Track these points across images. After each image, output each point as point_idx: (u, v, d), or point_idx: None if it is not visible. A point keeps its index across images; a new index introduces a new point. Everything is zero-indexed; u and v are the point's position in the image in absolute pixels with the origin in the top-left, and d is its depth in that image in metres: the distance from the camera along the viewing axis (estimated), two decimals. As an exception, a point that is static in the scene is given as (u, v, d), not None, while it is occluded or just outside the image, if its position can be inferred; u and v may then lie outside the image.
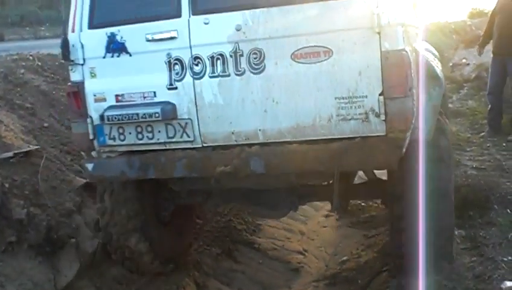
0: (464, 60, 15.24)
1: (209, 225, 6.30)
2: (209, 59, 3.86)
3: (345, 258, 6.06)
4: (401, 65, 3.49)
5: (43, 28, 28.10)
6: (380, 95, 3.55)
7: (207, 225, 6.28)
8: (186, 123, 4.00)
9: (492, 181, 6.04)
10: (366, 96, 3.58)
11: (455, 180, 4.76)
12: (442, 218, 3.99)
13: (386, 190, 4.55)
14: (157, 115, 3.93)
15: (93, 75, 4.18)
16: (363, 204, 7.20)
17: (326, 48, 3.62)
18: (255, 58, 3.77)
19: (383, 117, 3.56)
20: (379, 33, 3.48)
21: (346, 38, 3.57)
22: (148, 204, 4.86)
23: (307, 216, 7.44)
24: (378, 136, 3.61)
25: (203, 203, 5.16)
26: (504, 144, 7.97)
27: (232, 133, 3.93)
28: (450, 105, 6.92)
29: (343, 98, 3.64)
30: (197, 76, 3.91)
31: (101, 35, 4.11)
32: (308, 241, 6.85)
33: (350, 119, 3.64)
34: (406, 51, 3.49)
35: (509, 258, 4.34)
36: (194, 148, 4.05)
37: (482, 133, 8.61)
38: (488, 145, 7.99)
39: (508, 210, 5.34)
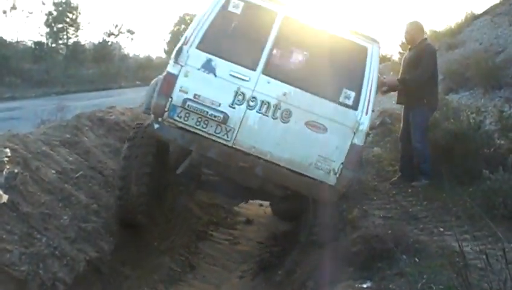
0: (380, 76, 15.50)
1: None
2: (260, 102, 6.00)
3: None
4: (358, 154, 6.13)
5: None
6: (341, 163, 5.98)
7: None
8: (229, 130, 5.99)
9: (399, 230, 6.06)
10: (334, 161, 5.99)
11: (364, 231, 6.12)
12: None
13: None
14: (219, 117, 5.94)
15: (186, 75, 6.00)
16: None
17: (325, 127, 5.99)
18: (286, 114, 6.00)
19: (337, 176, 5.99)
20: (355, 133, 5.97)
21: (337, 127, 6.00)
22: (157, 166, 6.62)
23: (221, 279, 7.35)
24: (330, 185, 6.02)
25: (193, 186, 7.51)
26: (409, 190, 8.09)
27: (253, 147, 6.02)
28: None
29: (322, 157, 6.00)
30: (250, 107, 6.00)
31: (202, 55, 6.03)
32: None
33: (320, 169, 6.01)
34: (362, 147, 6.14)
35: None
36: (226, 145, 6.02)
37: (394, 179, 8.74)
38: (394, 192, 8.08)
39: (416, 259, 5.31)
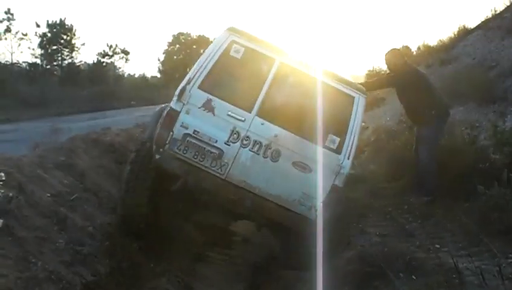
0: (363, 124, 15.55)
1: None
2: (253, 141, 6.60)
3: None
4: (338, 194, 6.64)
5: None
6: (321, 202, 6.52)
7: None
8: (223, 164, 6.59)
9: (396, 247, 6.06)
10: (314, 198, 6.55)
11: (360, 250, 6.45)
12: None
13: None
14: (215, 153, 6.56)
15: (187, 112, 6.57)
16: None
17: (311, 168, 6.60)
18: (275, 154, 6.62)
19: (317, 212, 6.55)
20: (336, 175, 6.58)
21: (321, 168, 6.51)
22: (154, 189, 7.08)
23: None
24: (310, 218, 6.58)
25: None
26: (405, 207, 8.08)
27: (244, 181, 6.61)
28: (352, 171, 7.17)
29: (305, 194, 6.60)
30: (243, 145, 6.60)
31: (203, 95, 6.61)
32: None
33: (303, 205, 6.62)
34: (342, 188, 6.65)
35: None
36: (219, 177, 6.59)
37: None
38: (389, 209, 8.07)
39: (413, 276, 5.31)
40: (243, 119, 6.60)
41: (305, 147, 6.61)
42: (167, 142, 6.55)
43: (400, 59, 8.69)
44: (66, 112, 28.31)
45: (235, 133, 6.58)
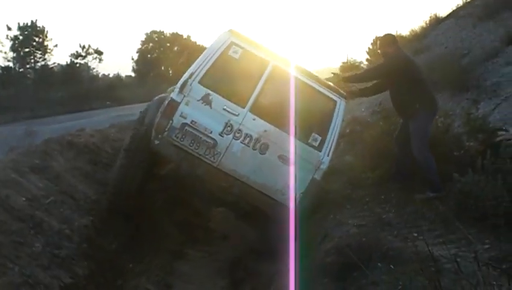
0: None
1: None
2: (244, 134, 7.30)
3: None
4: (317, 186, 7.38)
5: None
6: (301, 193, 7.25)
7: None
8: (216, 153, 7.25)
9: (373, 237, 6.08)
10: (295, 189, 7.16)
11: (337, 241, 6.35)
12: None
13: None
14: (209, 143, 7.23)
15: (187, 104, 7.23)
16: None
17: (294, 162, 7.20)
18: (263, 147, 7.32)
19: (296, 202, 7.18)
20: (316, 170, 7.33)
21: (303, 163, 7.30)
22: (147, 170, 7.81)
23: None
24: (289, 207, 7.14)
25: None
26: (382, 197, 8.09)
27: (234, 170, 7.28)
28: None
29: (287, 185, 7.19)
30: (235, 138, 7.29)
31: (202, 89, 7.28)
32: None
33: (283, 194, 7.27)
34: (320, 181, 7.40)
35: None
36: (212, 165, 7.25)
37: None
38: (367, 199, 8.09)
39: (391, 266, 5.32)
40: (236, 113, 7.30)
41: (290, 143, 7.28)
42: (166, 129, 7.19)
43: (391, 45, 8.49)
44: (41, 115, 28.00)
45: (228, 126, 7.27)
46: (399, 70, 8.11)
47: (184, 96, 7.24)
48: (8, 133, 14.86)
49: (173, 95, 7.26)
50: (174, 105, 7.23)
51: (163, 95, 8.19)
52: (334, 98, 7.60)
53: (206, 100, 7.27)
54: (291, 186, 7.25)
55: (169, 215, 9.09)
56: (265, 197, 7.35)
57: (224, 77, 7.46)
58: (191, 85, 7.24)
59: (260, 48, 7.55)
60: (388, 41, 8.46)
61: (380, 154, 9.05)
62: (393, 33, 9.00)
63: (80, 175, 8.47)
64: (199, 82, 7.27)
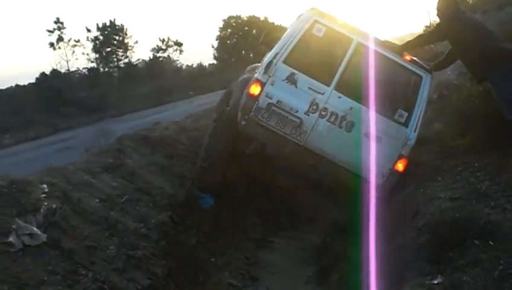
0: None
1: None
2: (330, 112, 7.31)
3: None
4: (404, 163, 7.36)
5: (7, 136, 27.69)
6: (389, 169, 7.29)
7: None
8: (302, 132, 7.33)
9: (469, 211, 5.52)
10: (383, 167, 7.26)
11: (429, 218, 5.62)
12: None
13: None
14: (295, 122, 7.30)
15: (272, 84, 7.30)
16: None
17: (380, 138, 7.26)
18: (349, 125, 7.30)
19: (385, 178, 7.30)
20: (403, 146, 7.29)
21: (390, 139, 7.30)
22: (231, 152, 8.15)
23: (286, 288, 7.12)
24: (377, 184, 7.22)
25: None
26: (476, 164, 7.45)
27: (320, 148, 7.36)
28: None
29: (374, 162, 7.10)
30: (321, 116, 7.32)
31: (287, 69, 7.32)
32: None
33: (370, 172, 7.12)
34: (408, 157, 7.39)
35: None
36: (298, 144, 7.35)
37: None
38: (459, 169, 7.46)
39: (490, 242, 4.78)
40: (322, 92, 7.34)
41: (376, 120, 7.27)
42: (252, 110, 7.33)
43: (451, 7, 7.83)
44: (125, 112, 28.62)
45: (314, 105, 7.31)
46: (459, 32, 7.44)
47: (269, 76, 7.30)
48: (85, 134, 15.08)
49: (258, 76, 7.37)
50: (259, 84, 7.30)
51: (246, 76, 8.54)
52: (420, 73, 7.52)
53: (291, 80, 7.30)
54: (378, 163, 7.22)
55: (252, 202, 8.81)
56: (352, 174, 7.39)
57: (309, 56, 7.47)
58: (275, 65, 7.30)
59: (343, 25, 7.52)
60: (448, 2, 7.75)
61: (470, 119, 8.37)
62: None
63: (156, 170, 8.40)
64: (284, 62, 7.32)
